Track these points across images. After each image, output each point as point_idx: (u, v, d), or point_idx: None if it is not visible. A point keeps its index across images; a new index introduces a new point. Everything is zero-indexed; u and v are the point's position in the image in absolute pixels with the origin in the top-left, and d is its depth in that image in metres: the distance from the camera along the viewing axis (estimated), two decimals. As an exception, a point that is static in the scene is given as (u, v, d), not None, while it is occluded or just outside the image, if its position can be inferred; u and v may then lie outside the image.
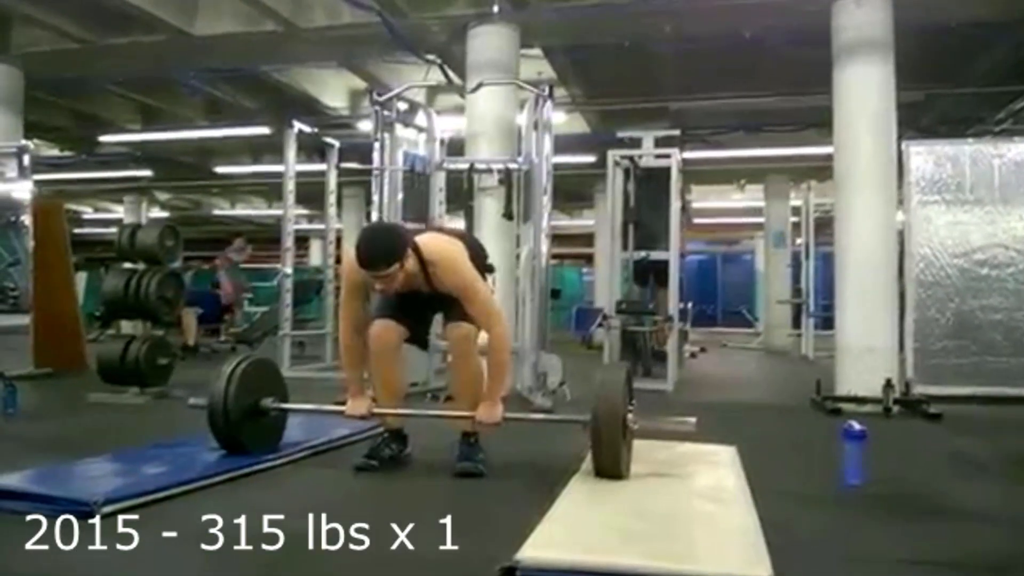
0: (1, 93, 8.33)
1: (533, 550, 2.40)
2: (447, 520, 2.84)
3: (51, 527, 2.70)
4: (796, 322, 12.58)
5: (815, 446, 4.58)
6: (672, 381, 7.17)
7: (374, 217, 6.61)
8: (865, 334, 6.17)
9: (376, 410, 3.73)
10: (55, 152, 13.28)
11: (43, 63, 8.32)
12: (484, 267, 3.80)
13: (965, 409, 5.90)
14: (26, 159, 7.34)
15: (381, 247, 3.40)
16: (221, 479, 3.39)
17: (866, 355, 6.10)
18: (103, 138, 12.14)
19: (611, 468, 3.36)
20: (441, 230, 4.69)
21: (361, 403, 3.69)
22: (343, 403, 3.74)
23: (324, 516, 2.88)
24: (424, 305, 3.77)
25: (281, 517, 2.89)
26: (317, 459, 3.96)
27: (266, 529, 2.80)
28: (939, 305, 6.24)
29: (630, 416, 3.52)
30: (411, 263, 3.45)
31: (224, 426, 3.65)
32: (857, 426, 3.56)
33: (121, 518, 2.81)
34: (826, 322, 9.29)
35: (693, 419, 3.65)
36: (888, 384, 5.83)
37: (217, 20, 7.57)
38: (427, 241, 3.57)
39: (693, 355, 10.91)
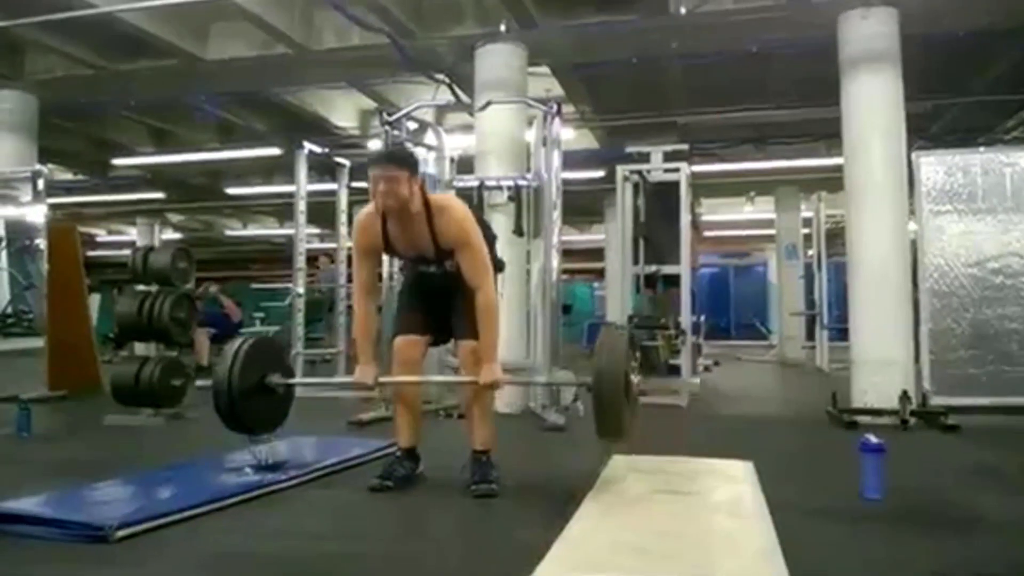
0: (16, 119, 8.41)
1: (549, 570, 2.38)
2: (462, 540, 2.83)
3: (65, 552, 2.71)
4: (810, 334, 12.52)
5: (832, 460, 4.55)
6: (686, 396, 7.13)
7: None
8: (880, 345, 6.14)
9: (383, 379, 3.75)
10: (69, 176, 13.39)
11: (57, 89, 8.40)
12: (493, 256, 3.83)
13: (983, 420, 5.84)
14: (40, 183, 7.40)
15: (397, 152, 3.75)
16: (235, 501, 3.38)
17: (881, 366, 6.06)
18: (116, 161, 12.23)
19: (614, 430, 3.34)
20: None
21: (369, 371, 3.68)
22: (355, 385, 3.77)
23: (339, 537, 2.88)
24: (441, 301, 3.76)
25: (297, 539, 2.89)
26: (330, 479, 3.95)
27: (282, 551, 2.80)
28: (954, 315, 6.19)
29: (633, 378, 3.49)
30: (417, 204, 3.52)
31: (228, 405, 3.64)
32: (874, 439, 3.53)
33: (136, 542, 2.81)
34: (840, 333, 9.24)
35: (696, 379, 3.64)
36: (904, 396, 5.79)
37: (228, 44, 7.63)
38: (441, 196, 3.67)
39: (707, 369, 10.86)
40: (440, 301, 3.76)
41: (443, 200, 3.65)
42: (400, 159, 3.60)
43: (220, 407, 3.66)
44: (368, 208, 3.67)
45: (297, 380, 3.99)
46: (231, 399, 3.64)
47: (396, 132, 6.57)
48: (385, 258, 6.23)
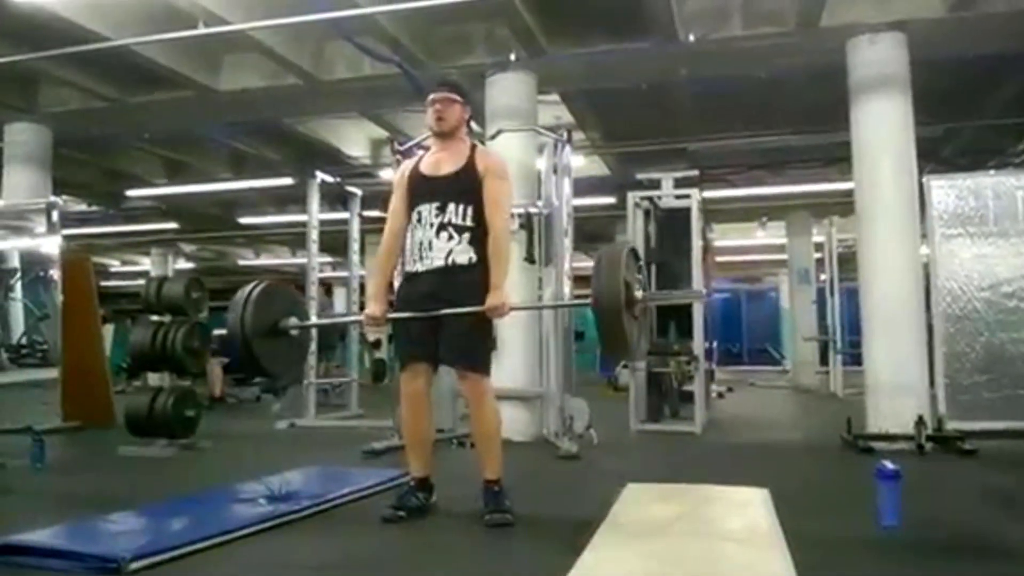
0: (30, 151, 8.50)
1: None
2: (476, 571, 2.81)
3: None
4: (823, 359, 12.45)
5: (848, 486, 4.51)
6: (700, 423, 7.10)
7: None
8: (894, 370, 6.10)
9: (391, 315, 3.80)
10: (83, 207, 13.50)
11: (71, 121, 8.50)
12: None
13: (1000, 445, 5.78)
14: (55, 215, 7.45)
15: (454, 81, 4.09)
16: (248, 532, 3.37)
17: (896, 391, 6.02)
18: (130, 192, 12.34)
19: (620, 348, 3.33)
20: None
21: (378, 308, 3.78)
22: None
23: (353, 569, 2.86)
24: (432, 318, 3.67)
25: (310, 571, 2.88)
26: (343, 510, 3.93)
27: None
28: (968, 339, 6.15)
29: (636, 293, 3.47)
30: (463, 135, 3.83)
31: (244, 347, 3.62)
32: (890, 465, 3.50)
33: (149, 574, 2.80)
34: (854, 358, 9.19)
35: (703, 290, 3.60)
36: (920, 421, 5.74)
37: (240, 75, 7.71)
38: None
39: (720, 395, 10.81)
40: (433, 320, 3.65)
41: (485, 147, 3.87)
42: (457, 87, 3.86)
43: (235, 350, 3.66)
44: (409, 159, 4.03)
45: (310, 323, 4.01)
46: (246, 341, 3.61)
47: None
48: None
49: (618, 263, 3.38)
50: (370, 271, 3.98)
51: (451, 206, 3.65)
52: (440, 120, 3.74)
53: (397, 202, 3.86)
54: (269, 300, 3.74)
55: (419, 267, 3.70)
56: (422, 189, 3.76)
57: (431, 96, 3.79)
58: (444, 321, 3.61)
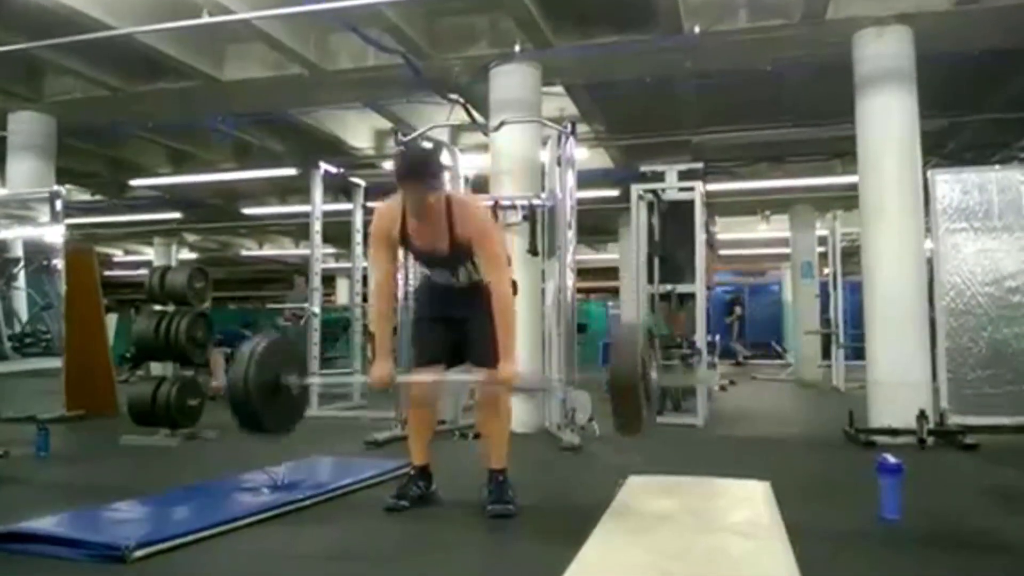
0: (35, 140, 8.49)
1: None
2: (478, 561, 2.82)
3: (83, 572, 2.71)
4: (826, 353, 12.44)
5: (850, 480, 4.52)
6: (702, 416, 7.10)
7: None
8: (897, 364, 6.10)
9: (400, 379, 3.75)
10: (86, 197, 13.51)
11: (75, 110, 8.49)
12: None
13: (1001, 439, 5.79)
14: (59, 204, 7.45)
15: (423, 165, 3.51)
16: (251, 521, 3.39)
17: (898, 386, 6.01)
18: (133, 182, 12.33)
19: (631, 424, 3.31)
20: None
21: (385, 368, 3.67)
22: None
23: (354, 558, 2.87)
24: (455, 330, 3.77)
25: (313, 560, 2.89)
26: (346, 500, 3.95)
27: (298, 572, 2.80)
28: (971, 334, 6.15)
29: (652, 373, 3.47)
30: (440, 202, 3.51)
31: (244, 405, 3.57)
32: (892, 459, 3.51)
33: (153, 562, 2.82)
34: (857, 353, 9.19)
35: (716, 373, 3.61)
36: (922, 415, 5.73)
37: (245, 66, 7.70)
38: (459, 193, 3.62)
39: (723, 388, 10.81)
40: (455, 323, 3.76)
41: (464, 197, 3.65)
42: (427, 173, 3.50)
43: (236, 406, 3.60)
44: (392, 199, 3.65)
45: (313, 379, 3.95)
46: (247, 398, 3.56)
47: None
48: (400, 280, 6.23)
49: (635, 342, 3.40)
50: (373, 320, 3.87)
51: (460, 269, 3.69)
52: (419, 213, 3.50)
53: (382, 253, 3.74)
54: (272, 356, 3.71)
55: (440, 280, 3.76)
56: (423, 258, 3.82)
57: (400, 180, 3.49)
58: (467, 329, 3.69)
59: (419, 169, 3.47)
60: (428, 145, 3.79)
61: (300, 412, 3.94)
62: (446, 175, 3.51)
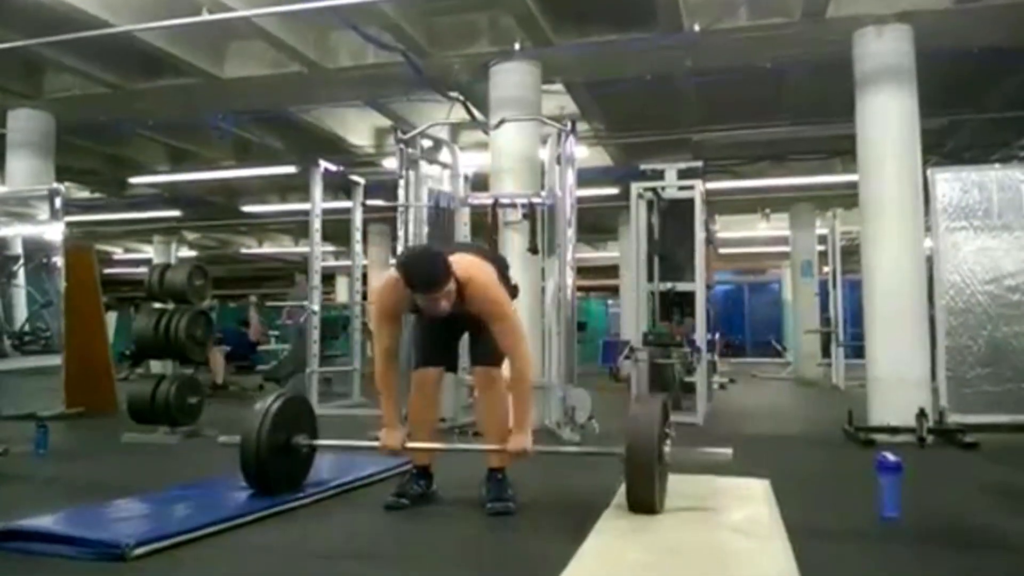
0: (34, 137, 8.50)
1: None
2: (478, 559, 2.82)
3: (82, 570, 2.71)
4: (826, 351, 12.45)
5: (849, 478, 4.52)
6: (702, 413, 7.10)
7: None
8: (896, 363, 6.11)
9: (409, 444, 3.70)
10: (86, 194, 13.51)
11: (74, 108, 8.49)
12: (509, 286, 3.80)
13: (1001, 438, 5.79)
14: (58, 202, 7.42)
15: (432, 276, 3.36)
16: (252, 519, 3.38)
17: (898, 384, 6.02)
18: (133, 180, 12.33)
19: (646, 503, 3.31)
20: (466, 248, 4.33)
21: (395, 436, 3.65)
22: (376, 439, 3.73)
23: (355, 556, 2.87)
24: (456, 332, 3.84)
25: (312, 558, 2.89)
26: (346, 497, 3.95)
27: (298, 570, 2.79)
28: (971, 332, 6.15)
29: (666, 449, 3.48)
30: (449, 291, 3.43)
31: (255, 465, 3.62)
32: (891, 457, 3.51)
33: (152, 560, 2.82)
34: (856, 351, 9.21)
35: (729, 450, 3.61)
36: (921, 413, 5.74)
37: (245, 63, 7.71)
38: (459, 262, 3.54)
39: (723, 386, 10.81)
40: (457, 331, 3.82)
41: (466, 271, 3.50)
42: (435, 283, 3.36)
43: (247, 466, 3.62)
44: (394, 275, 3.55)
45: (323, 442, 3.95)
46: (258, 458, 3.60)
47: (411, 150, 6.61)
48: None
49: (654, 419, 3.41)
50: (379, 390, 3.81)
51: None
52: (430, 307, 3.43)
53: (386, 328, 3.68)
54: (284, 415, 3.73)
55: None
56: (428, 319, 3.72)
57: (416, 293, 3.40)
58: (469, 327, 3.74)
59: (427, 281, 3.37)
60: (426, 254, 3.66)
61: (306, 472, 3.95)
62: (452, 272, 3.38)
